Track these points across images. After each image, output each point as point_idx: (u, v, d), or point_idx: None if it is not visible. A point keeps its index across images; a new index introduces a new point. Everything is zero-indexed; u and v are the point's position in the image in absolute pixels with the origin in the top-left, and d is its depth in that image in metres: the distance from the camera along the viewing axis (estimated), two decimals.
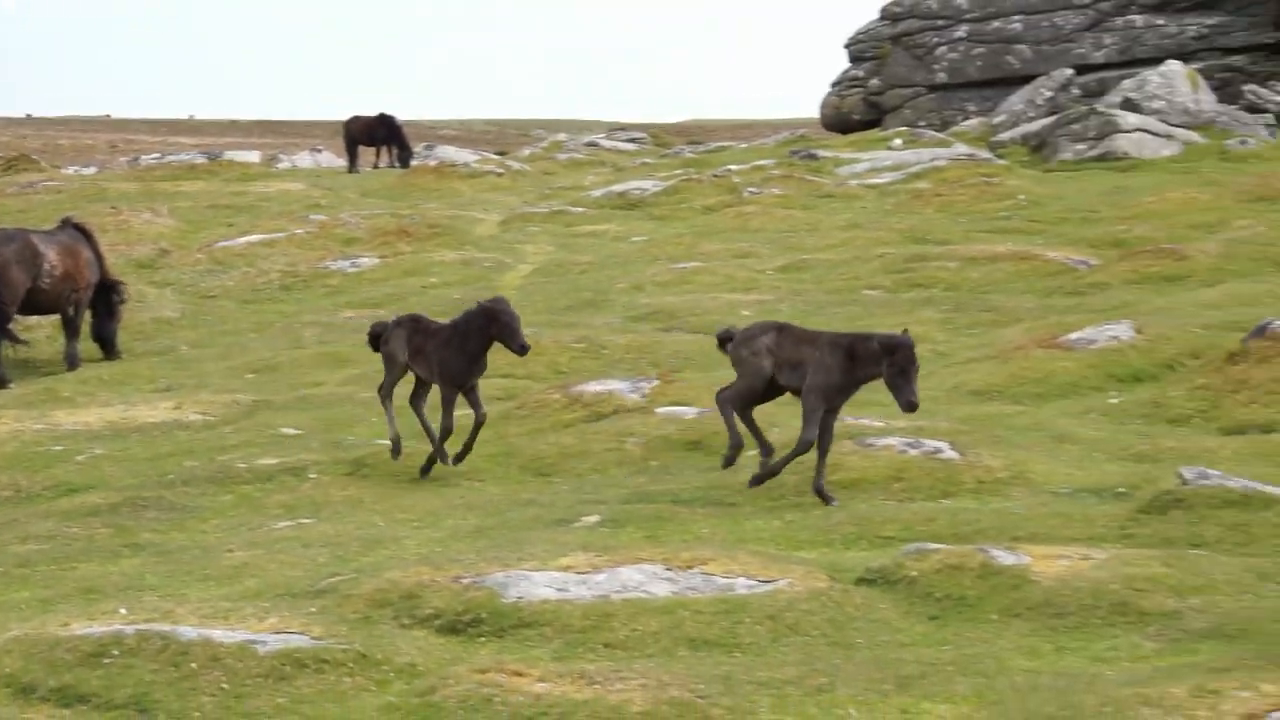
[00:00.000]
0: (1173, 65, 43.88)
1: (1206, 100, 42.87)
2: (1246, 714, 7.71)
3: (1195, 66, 45.01)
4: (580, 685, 8.90)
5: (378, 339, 16.51)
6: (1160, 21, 48.32)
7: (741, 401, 14.76)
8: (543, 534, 13.06)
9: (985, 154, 40.90)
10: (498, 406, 18.93)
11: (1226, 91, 45.13)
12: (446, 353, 15.68)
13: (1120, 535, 12.58)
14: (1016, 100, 46.35)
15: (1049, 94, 45.93)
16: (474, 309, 15.67)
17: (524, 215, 38.97)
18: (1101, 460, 15.34)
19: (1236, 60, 47.35)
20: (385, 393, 16.41)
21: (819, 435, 13.98)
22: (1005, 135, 43.44)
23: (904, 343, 13.49)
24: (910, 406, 13.48)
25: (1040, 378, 18.76)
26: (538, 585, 10.81)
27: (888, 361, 13.53)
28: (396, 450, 16.18)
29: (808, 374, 14.12)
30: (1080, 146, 39.65)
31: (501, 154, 58.22)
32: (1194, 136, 40.20)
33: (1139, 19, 48.52)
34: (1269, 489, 13.17)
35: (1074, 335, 19.77)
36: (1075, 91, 46.16)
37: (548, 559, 11.40)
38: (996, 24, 49.54)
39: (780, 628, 10.33)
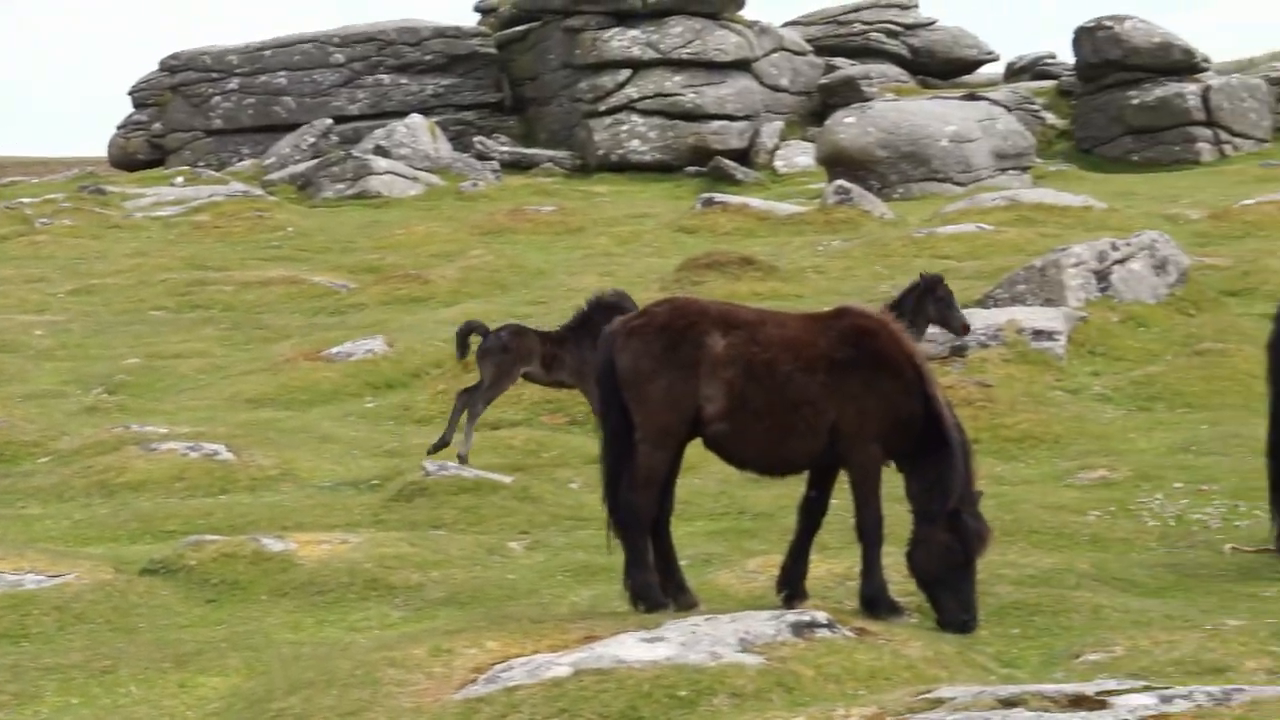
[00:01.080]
0: (416, 118, 44.77)
1: (444, 148, 43.93)
2: (474, 667, 7.89)
3: (435, 120, 46.06)
4: None
5: (468, 337, 14.84)
6: (404, 81, 49.22)
7: None
8: None
9: (258, 191, 40.50)
10: None
11: (461, 141, 46.37)
12: (588, 355, 14.07)
13: (374, 521, 12.70)
14: (284, 145, 46.19)
15: (312, 140, 45.99)
16: (595, 305, 14.28)
17: None
18: (360, 457, 15.44)
19: (468, 115, 48.76)
20: (482, 403, 14.70)
21: None
22: (275, 175, 43.19)
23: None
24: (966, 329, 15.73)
25: (307, 386, 18.70)
26: None
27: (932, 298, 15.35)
28: (441, 447, 14.44)
29: None
30: (340, 186, 39.89)
31: None
32: (435, 179, 41.08)
33: (387, 78, 49.26)
34: (495, 476, 13.60)
35: (335, 349, 19.80)
36: (335, 139, 46.40)
37: None
38: (264, 78, 49.19)
39: (67, 617, 9.89)
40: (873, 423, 9.20)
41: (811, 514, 9.61)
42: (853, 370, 9.21)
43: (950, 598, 9.28)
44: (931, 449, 9.27)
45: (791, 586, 9.58)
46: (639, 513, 9.36)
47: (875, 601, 9.36)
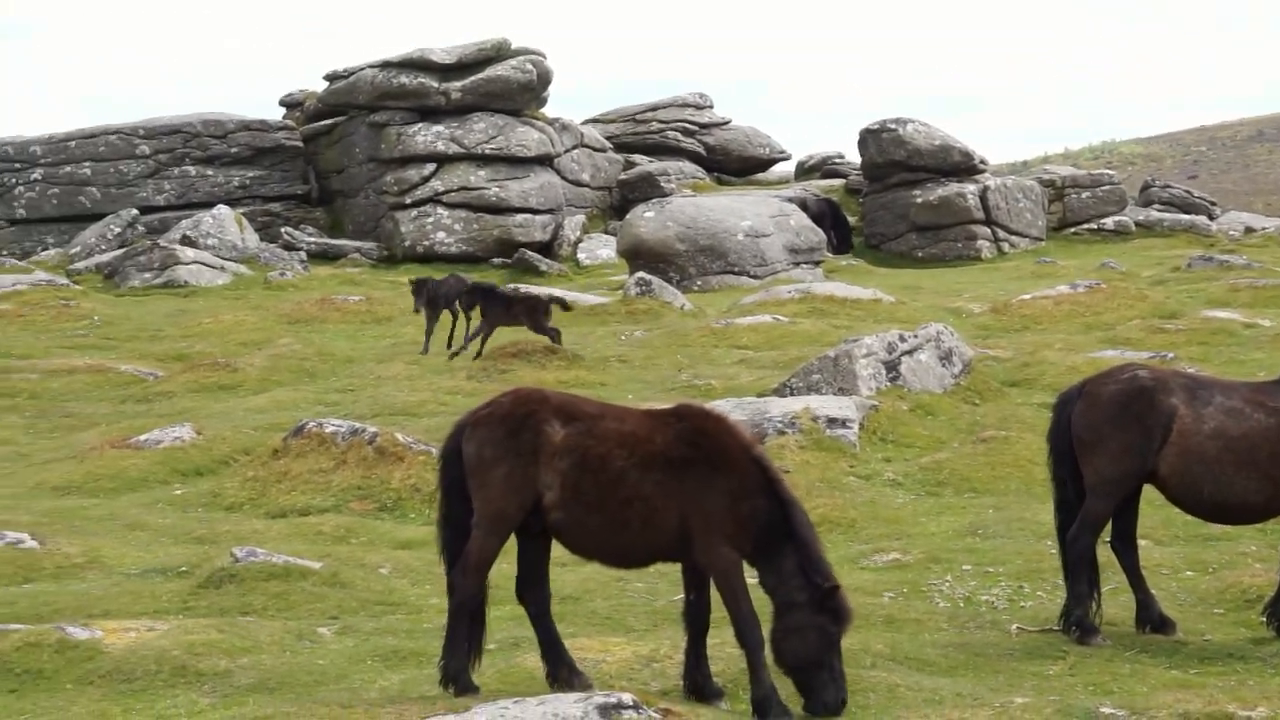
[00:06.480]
0: (223, 209, 44.20)
1: (251, 239, 43.39)
2: None
3: (241, 211, 45.53)
4: None
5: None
6: (210, 172, 48.59)
7: None
8: None
9: (63, 280, 39.55)
10: None
11: (268, 232, 45.86)
12: None
13: (182, 608, 12.41)
14: (90, 235, 45.24)
15: (118, 230, 45.10)
16: None
17: None
18: (168, 544, 15.08)
19: (274, 206, 48.28)
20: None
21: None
22: (81, 264, 42.22)
23: None
24: None
25: (114, 474, 18.22)
26: None
27: None
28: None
29: None
30: (147, 275, 39.13)
31: None
32: (242, 269, 40.53)
33: (193, 169, 48.59)
34: (305, 562, 13.39)
35: (143, 437, 19.34)
36: (141, 229, 45.59)
37: None
38: (69, 169, 48.22)
39: None
40: (718, 524, 9.15)
41: (695, 619, 9.48)
42: (690, 470, 9.18)
43: (825, 679, 9.24)
44: (781, 540, 9.25)
45: (694, 684, 9.50)
46: (465, 596, 9.32)
47: (765, 704, 9.20)
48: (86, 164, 48.29)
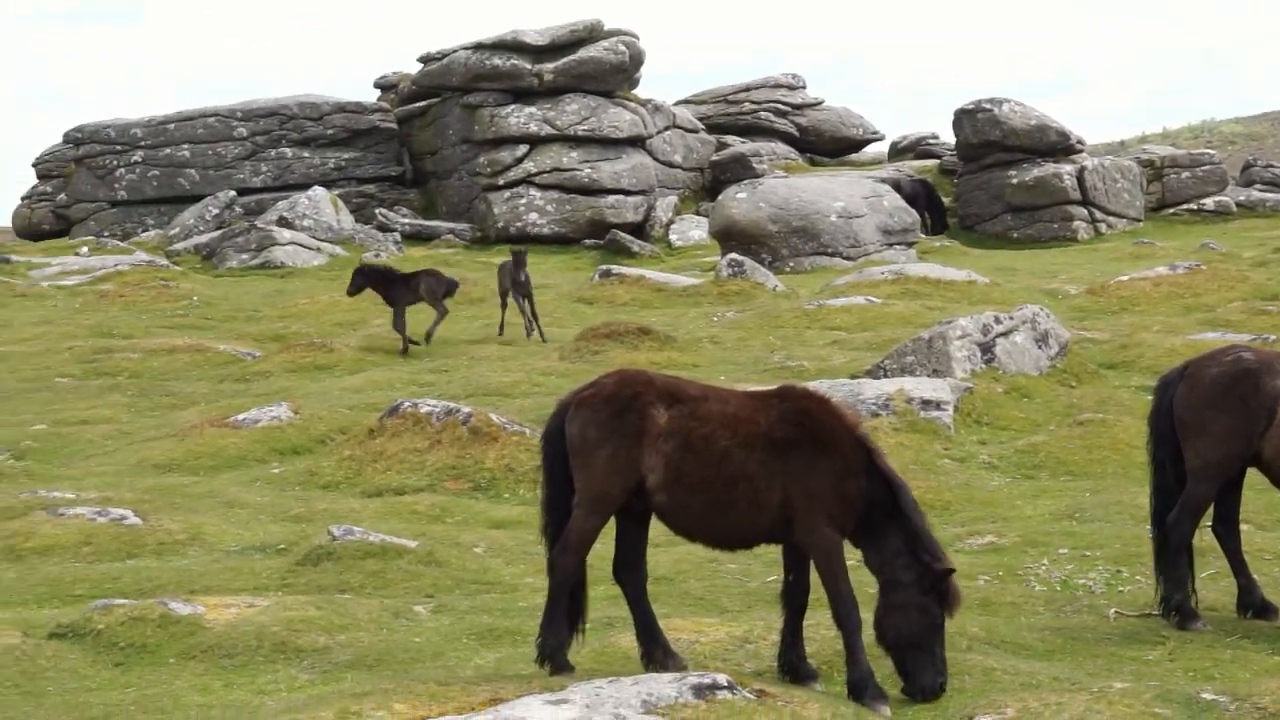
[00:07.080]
0: (318, 191, 44.64)
1: (346, 220, 43.80)
2: None
3: (336, 192, 45.95)
4: None
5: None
6: (307, 154, 49.08)
7: None
8: None
9: (163, 261, 40.08)
10: None
11: (362, 213, 46.28)
12: None
13: (281, 584, 12.55)
14: (189, 216, 45.85)
15: (216, 211, 45.71)
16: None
17: None
18: (266, 521, 15.25)
19: (369, 188, 48.69)
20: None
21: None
22: (180, 245, 42.81)
23: None
24: None
25: (214, 452, 18.44)
26: None
27: None
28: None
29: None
30: (244, 256, 39.61)
31: None
32: (338, 250, 40.90)
33: (289, 151, 49.11)
34: (401, 541, 13.50)
35: (242, 416, 19.56)
36: (238, 210, 46.16)
37: None
38: (168, 151, 48.87)
39: None
40: (821, 504, 9.13)
41: (793, 599, 9.45)
42: (793, 450, 9.15)
43: (925, 661, 9.24)
44: (885, 520, 9.20)
45: (789, 665, 9.50)
46: (564, 574, 9.33)
47: (861, 686, 9.17)
48: (185, 146, 48.92)
